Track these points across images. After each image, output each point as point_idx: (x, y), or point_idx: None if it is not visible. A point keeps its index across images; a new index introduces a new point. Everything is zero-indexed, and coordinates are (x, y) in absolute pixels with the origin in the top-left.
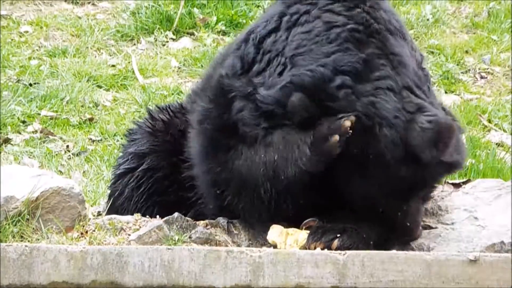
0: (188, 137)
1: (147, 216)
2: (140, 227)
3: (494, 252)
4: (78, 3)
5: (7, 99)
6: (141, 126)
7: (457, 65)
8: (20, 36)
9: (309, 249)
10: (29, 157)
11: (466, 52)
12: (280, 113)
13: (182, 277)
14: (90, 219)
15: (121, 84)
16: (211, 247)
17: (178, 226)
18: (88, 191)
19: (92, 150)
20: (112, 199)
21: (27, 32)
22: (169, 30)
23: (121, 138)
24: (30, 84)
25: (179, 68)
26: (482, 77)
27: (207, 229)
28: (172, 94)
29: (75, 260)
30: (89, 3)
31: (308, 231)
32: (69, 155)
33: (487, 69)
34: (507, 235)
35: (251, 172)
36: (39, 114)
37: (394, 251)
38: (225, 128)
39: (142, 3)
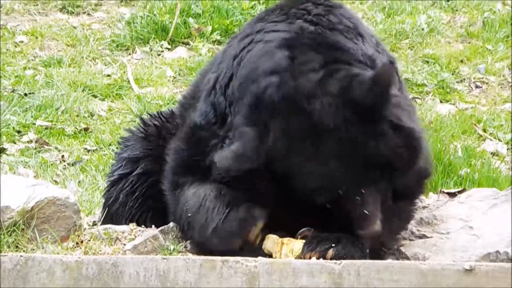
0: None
1: (142, 224)
2: (135, 236)
3: (489, 262)
4: (73, 13)
5: (2, 109)
6: (134, 132)
7: (452, 74)
8: (15, 46)
9: (304, 258)
10: (24, 167)
11: (461, 61)
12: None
13: (177, 287)
14: (85, 229)
15: (116, 94)
16: (207, 257)
17: (174, 236)
18: (84, 201)
19: (87, 160)
20: (107, 206)
21: (22, 42)
22: (164, 40)
23: (116, 148)
24: (25, 94)
25: (174, 77)
26: (477, 87)
27: None
28: (168, 103)
29: (70, 270)
30: (84, 13)
31: (303, 241)
32: (64, 165)
33: (482, 78)
34: (503, 244)
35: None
36: (34, 124)
37: (389, 261)
38: (182, 168)
39: (137, 13)
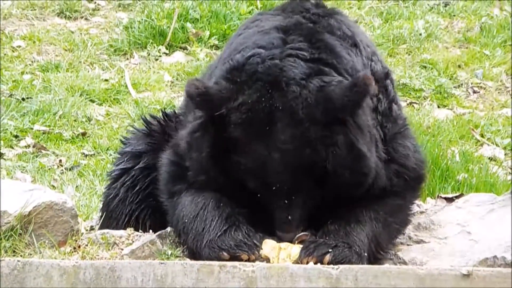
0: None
1: (140, 222)
2: (133, 241)
3: (487, 267)
4: (71, 18)
5: (1, 113)
6: (137, 129)
7: (450, 79)
8: (13, 51)
9: (301, 263)
10: (21, 172)
11: (459, 66)
12: None
13: None
14: (83, 233)
15: (114, 99)
16: (204, 262)
17: (171, 241)
18: (81, 205)
19: (85, 165)
20: (106, 203)
21: (20, 46)
22: (162, 45)
23: (114, 152)
24: (23, 99)
25: (172, 82)
26: (474, 92)
27: None
28: (165, 108)
29: (67, 275)
30: (82, 17)
31: (301, 245)
32: (62, 170)
33: (480, 83)
34: (500, 249)
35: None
36: (32, 128)
37: (387, 265)
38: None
39: (135, 17)
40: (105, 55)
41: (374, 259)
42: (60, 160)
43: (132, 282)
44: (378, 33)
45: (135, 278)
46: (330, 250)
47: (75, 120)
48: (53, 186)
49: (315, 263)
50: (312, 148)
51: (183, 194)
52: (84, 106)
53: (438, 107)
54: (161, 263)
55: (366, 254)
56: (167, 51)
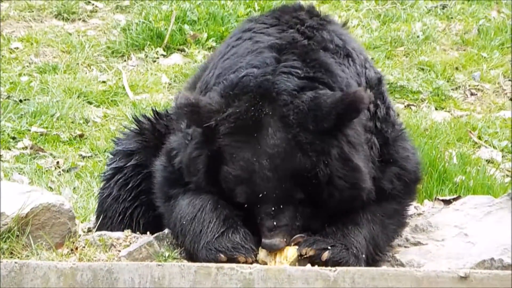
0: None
1: (134, 220)
2: (130, 243)
3: (484, 269)
4: (68, 19)
5: None
6: (128, 129)
7: (447, 82)
8: (11, 53)
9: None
10: (19, 174)
11: (456, 69)
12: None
13: None
14: (80, 235)
15: (111, 100)
16: (202, 264)
17: (169, 243)
18: (78, 207)
19: (82, 166)
20: (100, 202)
21: (17, 48)
22: (159, 47)
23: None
24: (21, 101)
25: (169, 84)
26: (472, 94)
27: None
28: (163, 110)
29: (65, 277)
30: (79, 19)
31: (297, 247)
32: (59, 171)
33: (477, 86)
34: (498, 251)
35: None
36: (29, 130)
37: (384, 268)
38: (172, 180)
39: (133, 19)
40: (103, 57)
41: (373, 261)
42: (58, 162)
43: (129, 284)
44: (375, 35)
45: (132, 280)
46: (329, 248)
47: (72, 122)
48: (51, 188)
49: (313, 256)
50: (303, 153)
51: (180, 197)
52: (81, 108)
53: (436, 109)
54: (159, 265)
55: (364, 256)
56: (164, 53)
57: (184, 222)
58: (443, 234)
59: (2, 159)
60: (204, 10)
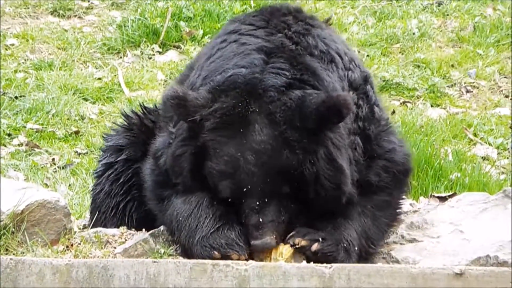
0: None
1: (127, 214)
2: (125, 240)
3: (479, 266)
4: (64, 16)
5: None
6: (118, 125)
7: (443, 79)
8: (6, 49)
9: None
10: (14, 170)
11: (452, 66)
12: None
13: None
14: (75, 232)
15: (107, 97)
16: (197, 260)
17: (164, 239)
18: (74, 204)
19: (78, 163)
20: (93, 198)
21: (13, 45)
22: (155, 43)
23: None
24: (16, 97)
25: (165, 81)
26: (467, 91)
27: None
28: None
29: (60, 274)
30: (75, 16)
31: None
32: (55, 168)
33: (473, 83)
34: (493, 248)
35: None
36: (25, 127)
37: (380, 264)
38: (163, 182)
39: (129, 16)
40: (99, 54)
41: (366, 253)
42: (53, 159)
43: (125, 280)
44: (371, 32)
45: (128, 277)
46: (320, 240)
47: (68, 119)
48: (46, 185)
49: (305, 246)
50: (290, 150)
51: (173, 196)
52: (77, 104)
53: (431, 106)
54: (154, 262)
55: (356, 249)
56: (160, 50)
57: (180, 218)
58: (439, 231)
59: None
60: (200, 7)
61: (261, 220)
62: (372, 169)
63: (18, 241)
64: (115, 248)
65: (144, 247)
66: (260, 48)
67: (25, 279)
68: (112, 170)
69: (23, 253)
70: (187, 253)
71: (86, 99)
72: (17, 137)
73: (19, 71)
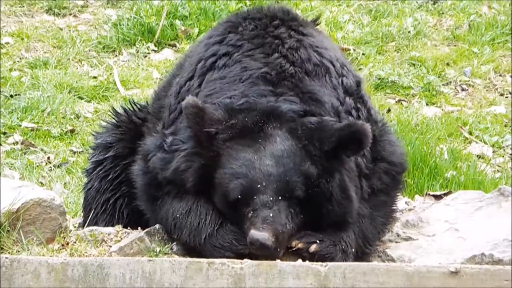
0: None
1: (117, 211)
2: (121, 238)
3: (475, 264)
4: (59, 14)
5: None
6: (107, 122)
7: (438, 77)
8: (1, 48)
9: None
10: (10, 169)
11: (447, 64)
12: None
13: None
14: (71, 230)
15: (102, 96)
16: (193, 259)
17: (160, 238)
18: (69, 202)
19: (73, 162)
20: (85, 196)
21: (8, 43)
22: (151, 42)
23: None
24: (11, 96)
25: (160, 79)
26: (463, 89)
27: None
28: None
29: (55, 272)
30: (70, 14)
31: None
32: (50, 167)
33: (468, 81)
34: (488, 247)
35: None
36: (20, 125)
37: (375, 263)
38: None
39: (124, 14)
40: (94, 52)
41: (362, 253)
42: (49, 157)
43: (121, 279)
44: (367, 30)
45: (123, 275)
46: (317, 241)
47: (63, 117)
48: (41, 183)
49: (302, 248)
50: (312, 162)
51: (167, 196)
52: (72, 103)
53: (427, 104)
54: (150, 260)
55: (353, 250)
56: (155, 48)
57: (178, 216)
58: (434, 230)
59: None
60: (195, 5)
61: (271, 214)
62: (375, 173)
63: (14, 240)
64: (110, 246)
65: (140, 245)
66: (263, 76)
67: (21, 277)
68: (101, 167)
69: (19, 251)
70: (194, 250)
71: (81, 98)
72: (12, 135)
73: (14, 70)
